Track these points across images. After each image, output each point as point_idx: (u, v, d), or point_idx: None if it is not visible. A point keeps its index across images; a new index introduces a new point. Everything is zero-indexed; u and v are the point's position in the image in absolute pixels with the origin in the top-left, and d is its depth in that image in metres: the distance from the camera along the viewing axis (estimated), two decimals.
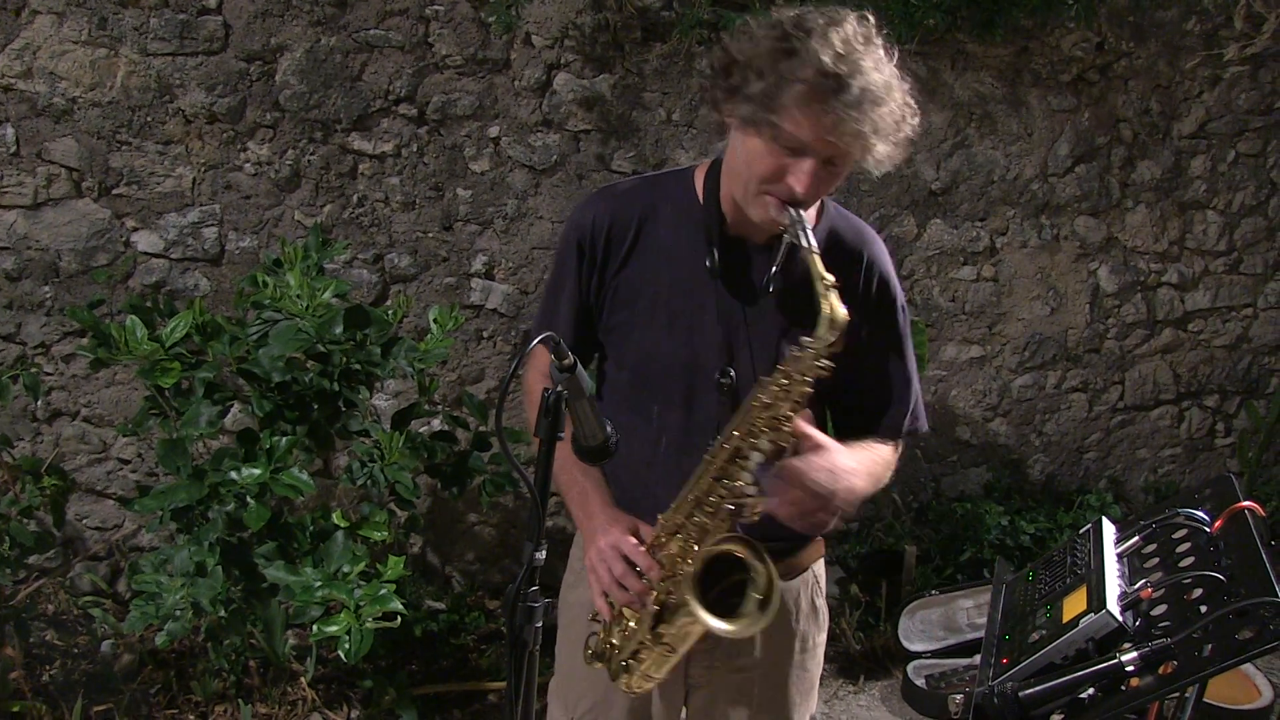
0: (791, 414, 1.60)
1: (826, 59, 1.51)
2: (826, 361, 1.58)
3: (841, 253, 1.78)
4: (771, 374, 1.66)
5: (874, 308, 1.81)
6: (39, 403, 3.38)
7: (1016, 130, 3.94)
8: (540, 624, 1.41)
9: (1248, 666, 3.39)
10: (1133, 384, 4.36)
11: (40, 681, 3.14)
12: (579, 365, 1.38)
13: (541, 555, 1.40)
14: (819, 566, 2.01)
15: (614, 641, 1.80)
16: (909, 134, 1.63)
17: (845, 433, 1.77)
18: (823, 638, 2.02)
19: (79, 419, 3.44)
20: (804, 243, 1.58)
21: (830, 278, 1.57)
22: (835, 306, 1.56)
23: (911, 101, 1.63)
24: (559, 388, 1.38)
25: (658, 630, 1.71)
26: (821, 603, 2.00)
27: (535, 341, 1.33)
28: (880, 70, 1.56)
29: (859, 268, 1.79)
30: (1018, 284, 4.12)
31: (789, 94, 1.53)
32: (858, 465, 1.68)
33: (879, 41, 1.59)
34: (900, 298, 1.86)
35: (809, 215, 1.77)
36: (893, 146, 1.61)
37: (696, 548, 1.66)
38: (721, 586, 1.69)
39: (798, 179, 1.57)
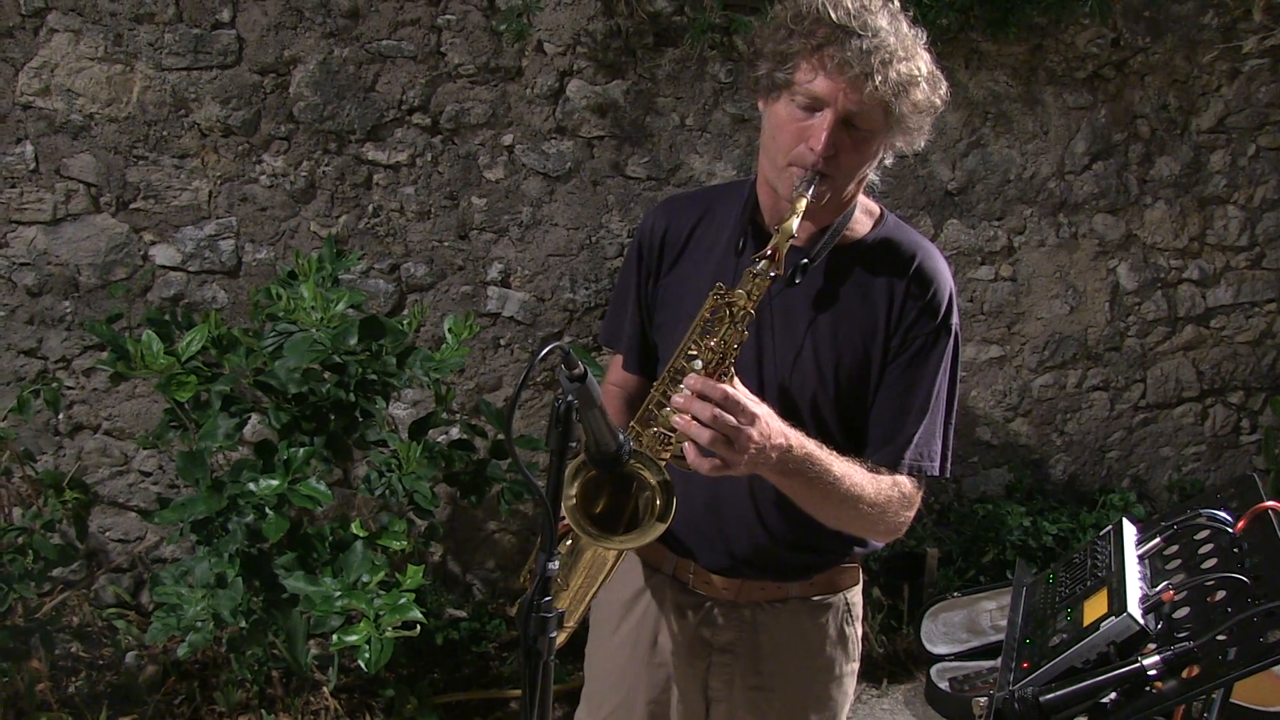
0: (730, 339, 1.55)
1: (836, 12, 1.54)
2: (769, 271, 1.55)
3: (891, 256, 1.74)
4: (793, 361, 1.66)
5: (912, 321, 1.72)
6: (60, 417, 3.41)
7: (1032, 128, 3.91)
8: (554, 634, 1.40)
9: (1278, 667, 3.34)
10: (1155, 382, 4.32)
11: (65, 693, 3.16)
12: (589, 374, 1.38)
13: (555, 565, 1.40)
14: (853, 595, 1.95)
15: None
16: (936, 102, 1.62)
17: (850, 453, 1.70)
18: (852, 667, 1.97)
19: (100, 432, 3.46)
20: (804, 190, 1.58)
21: (799, 214, 1.57)
22: (786, 230, 1.56)
23: (939, 74, 1.63)
24: (569, 397, 1.38)
25: (565, 572, 1.72)
26: (852, 631, 1.95)
27: (544, 353, 1.33)
28: (896, 30, 1.57)
29: (905, 274, 1.73)
30: (1036, 283, 4.09)
31: (801, 45, 1.56)
32: (806, 444, 1.58)
33: (900, 14, 1.60)
34: (951, 326, 1.74)
35: (862, 220, 1.77)
36: (914, 110, 1.59)
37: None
38: (632, 506, 1.64)
39: (816, 137, 1.57)
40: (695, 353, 1.58)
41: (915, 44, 1.60)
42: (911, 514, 1.76)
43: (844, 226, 1.74)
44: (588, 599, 1.79)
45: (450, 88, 3.42)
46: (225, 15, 3.23)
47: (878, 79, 1.53)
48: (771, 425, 1.53)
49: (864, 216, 1.78)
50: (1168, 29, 3.90)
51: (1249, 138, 4.11)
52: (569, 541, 1.74)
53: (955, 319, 1.75)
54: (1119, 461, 4.39)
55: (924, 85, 1.59)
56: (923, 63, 1.60)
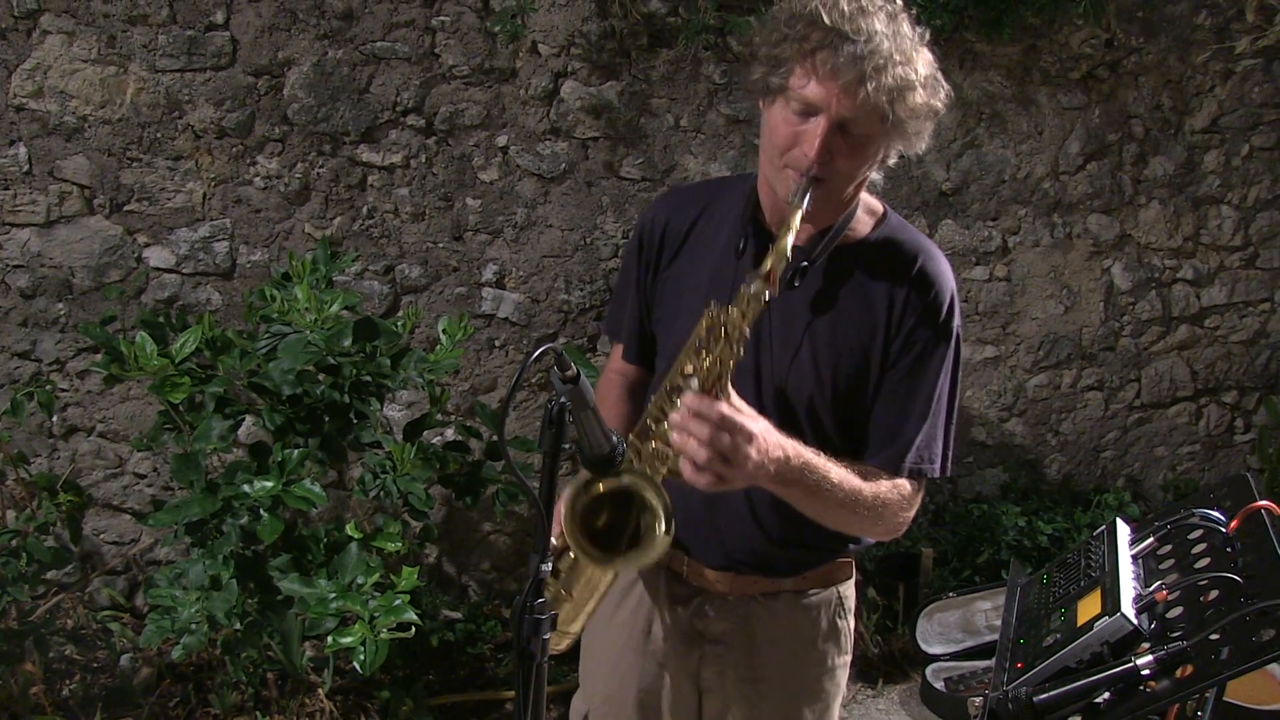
0: (725, 357, 1.54)
1: (831, 15, 1.52)
2: (764, 293, 1.53)
3: (892, 258, 1.73)
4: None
5: (913, 325, 1.71)
6: (54, 419, 3.40)
7: (1027, 129, 3.92)
8: (547, 636, 1.40)
9: (1273, 665, 3.35)
10: (1149, 381, 4.33)
11: (60, 696, 3.16)
12: (582, 376, 1.38)
13: (548, 567, 1.40)
14: (846, 588, 1.96)
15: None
16: (936, 106, 1.59)
17: (846, 454, 1.72)
18: (844, 660, 1.98)
19: (95, 434, 3.46)
20: (799, 202, 1.56)
21: (794, 228, 1.54)
22: (780, 249, 1.52)
23: (940, 76, 1.60)
24: (562, 399, 1.38)
25: (566, 583, 1.74)
26: (845, 625, 1.95)
27: (536, 354, 1.33)
28: (893, 34, 1.53)
29: (906, 278, 1.72)
30: (1031, 283, 4.09)
31: (794, 49, 1.54)
32: (803, 453, 1.59)
33: (901, 15, 1.57)
34: (953, 331, 1.74)
35: (863, 220, 1.75)
36: (911, 115, 1.56)
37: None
38: (631, 526, 1.64)
39: (810, 142, 1.56)
40: (691, 370, 1.58)
41: (914, 46, 1.57)
42: (911, 513, 1.78)
43: (845, 226, 1.73)
44: (590, 609, 1.80)
45: (445, 89, 3.42)
46: (219, 17, 3.23)
47: (871, 85, 1.51)
48: (769, 440, 1.54)
49: (866, 216, 1.77)
50: (1161, 29, 3.90)
51: (1242, 138, 4.12)
52: (571, 554, 1.74)
53: (956, 322, 1.75)
54: (1113, 461, 4.40)
55: (921, 90, 1.57)
56: (921, 65, 1.57)
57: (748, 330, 1.54)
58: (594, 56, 3.48)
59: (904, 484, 1.74)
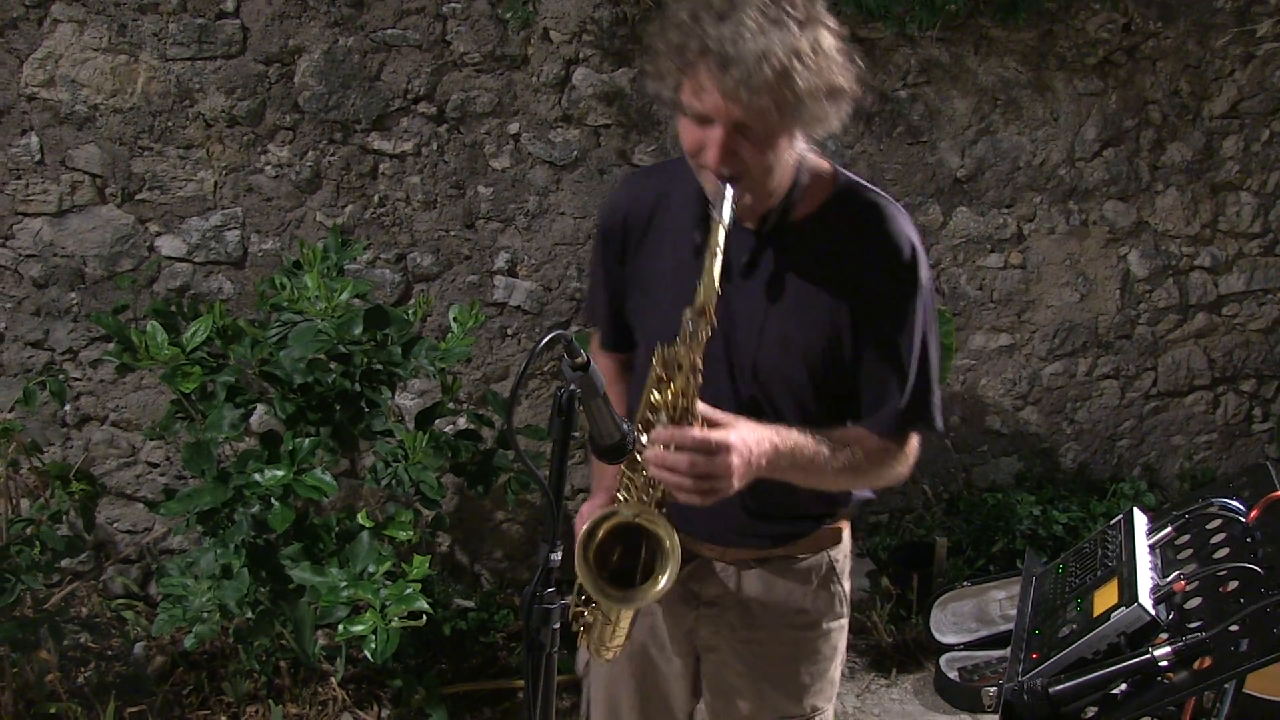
0: (685, 388, 1.56)
1: (700, 22, 1.48)
2: (706, 330, 1.54)
3: (847, 225, 1.71)
4: (769, 364, 1.71)
5: (881, 288, 1.70)
6: (67, 408, 3.41)
7: (1042, 115, 3.88)
8: (557, 626, 1.39)
9: None
10: (1166, 370, 4.29)
11: (75, 683, 3.17)
12: (592, 363, 1.36)
13: (557, 556, 1.39)
14: (836, 552, 1.97)
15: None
16: (832, 82, 1.53)
17: (831, 422, 1.75)
18: (839, 623, 1.99)
19: (108, 423, 3.47)
20: (716, 214, 1.54)
21: (719, 247, 1.53)
22: (709, 281, 1.52)
23: (837, 45, 1.54)
24: (572, 386, 1.37)
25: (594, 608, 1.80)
26: (838, 588, 1.97)
27: (545, 340, 1.32)
28: (769, 22, 1.46)
29: (863, 244, 1.70)
30: (1046, 271, 4.06)
31: (675, 65, 1.53)
32: (789, 438, 1.64)
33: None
34: (920, 283, 1.71)
35: (818, 188, 1.72)
36: (807, 97, 1.50)
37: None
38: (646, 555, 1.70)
39: (711, 149, 1.55)
40: (657, 402, 1.60)
41: (799, 27, 1.48)
42: (911, 463, 1.81)
43: (791, 205, 1.70)
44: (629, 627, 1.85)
45: (456, 76, 3.41)
46: (229, 5, 3.22)
47: (750, 86, 1.46)
48: (749, 441, 1.58)
49: (813, 185, 1.72)
50: (1180, 13, 3.86)
51: (1262, 123, 4.07)
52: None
53: (924, 274, 1.72)
54: (1130, 450, 4.36)
55: (807, 70, 1.48)
56: (805, 43, 1.48)
57: (698, 360, 1.56)
58: (606, 43, 3.46)
59: (879, 438, 1.77)
